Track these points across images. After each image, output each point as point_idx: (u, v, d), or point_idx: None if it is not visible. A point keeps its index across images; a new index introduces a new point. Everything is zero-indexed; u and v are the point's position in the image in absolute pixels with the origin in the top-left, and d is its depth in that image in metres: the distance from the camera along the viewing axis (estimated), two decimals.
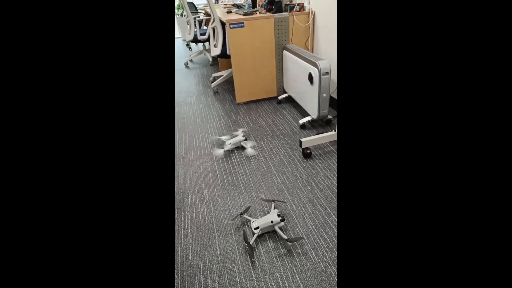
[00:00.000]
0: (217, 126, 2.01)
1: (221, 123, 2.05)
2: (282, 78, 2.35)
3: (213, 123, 2.06)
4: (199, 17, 3.79)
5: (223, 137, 1.81)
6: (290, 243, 1.04)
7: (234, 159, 1.60)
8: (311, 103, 1.80)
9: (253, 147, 1.69)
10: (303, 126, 1.90)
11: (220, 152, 1.68)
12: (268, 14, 2.15)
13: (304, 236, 1.08)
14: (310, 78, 1.72)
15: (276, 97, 2.43)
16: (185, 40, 5.39)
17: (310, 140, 1.55)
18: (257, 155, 1.63)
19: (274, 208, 1.21)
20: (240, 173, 1.48)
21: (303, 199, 1.27)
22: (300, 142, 1.56)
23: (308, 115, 1.92)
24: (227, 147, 1.66)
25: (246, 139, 1.71)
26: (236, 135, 1.82)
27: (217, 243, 1.08)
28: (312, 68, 1.68)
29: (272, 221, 1.07)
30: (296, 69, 1.95)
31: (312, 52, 2.29)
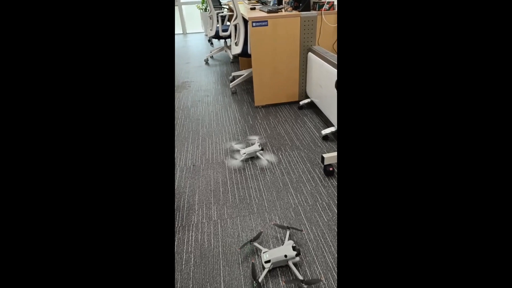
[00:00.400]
0: (233, 131, 1.88)
1: (237, 128, 1.92)
2: (305, 82, 2.18)
3: (228, 127, 1.94)
4: (222, 12, 3.67)
5: (238, 146, 1.68)
6: (305, 286, 0.89)
7: (248, 171, 1.47)
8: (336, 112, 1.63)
9: (269, 160, 1.55)
10: (325, 138, 1.74)
11: (234, 163, 1.55)
12: (294, 12, 1.98)
13: (322, 277, 0.93)
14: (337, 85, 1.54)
15: (297, 102, 2.27)
16: (207, 35, 5.31)
17: (333, 156, 1.39)
18: (273, 169, 1.48)
19: (289, 238, 1.06)
20: (254, 189, 1.34)
21: (323, 227, 1.12)
22: (322, 158, 1.39)
23: (332, 125, 1.74)
24: (242, 157, 1.53)
25: (262, 149, 1.57)
26: (252, 143, 1.69)
27: (221, 274, 0.96)
28: None
29: (286, 256, 0.92)
30: (322, 74, 1.77)
31: None
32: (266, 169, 1.48)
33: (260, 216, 1.19)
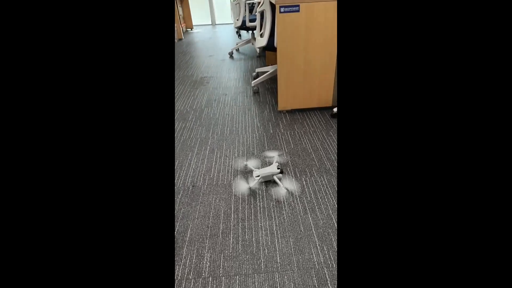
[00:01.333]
0: (248, 142, 1.54)
1: (254, 138, 1.58)
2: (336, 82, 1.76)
3: (244, 136, 1.60)
4: (253, 1, 3.31)
5: (251, 165, 1.34)
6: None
7: (259, 201, 1.12)
8: None
9: (288, 189, 1.19)
10: None
11: (243, 188, 1.21)
12: None
13: None
14: None
15: (330, 108, 1.86)
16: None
17: None
18: (293, 201, 1.12)
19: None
20: (264, 231, 0.99)
21: None
22: None
23: None
24: (255, 181, 1.19)
25: (281, 172, 1.21)
26: (269, 162, 1.34)
27: None
28: None
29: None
30: None
31: None
32: (284, 201, 1.12)
33: (268, 278, 0.84)
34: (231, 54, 3.40)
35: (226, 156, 1.43)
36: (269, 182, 1.23)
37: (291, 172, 1.28)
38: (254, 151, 1.46)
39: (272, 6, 1.79)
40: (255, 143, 1.53)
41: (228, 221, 1.04)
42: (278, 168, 1.20)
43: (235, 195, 1.17)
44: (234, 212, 1.08)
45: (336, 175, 1.26)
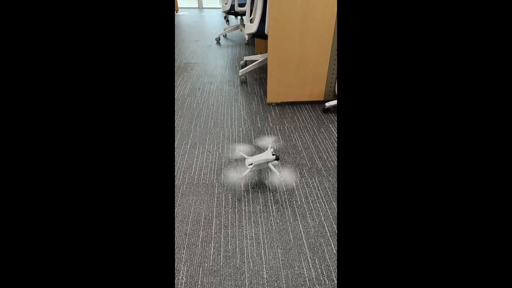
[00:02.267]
0: (233, 136, 1.42)
1: (240, 132, 1.45)
2: (336, 79, 1.66)
3: (229, 130, 1.47)
4: None
5: (242, 150, 1.21)
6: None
7: (244, 206, 1.01)
8: None
9: (285, 180, 1.07)
10: None
11: (233, 178, 1.09)
12: None
13: None
14: None
15: (322, 103, 1.76)
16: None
17: None
18: (282, 204, 1.02)
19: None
20: (250, 240, 0.89)
21: None
22: None
23: None
24: (248, 169, 1.04)
25: (277, 159, 1.07)
26: (263, 148, 1.19)
27: None
28: None
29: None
30: None
31: None
32: (273, 202, 1.02)
33: None
34: (218, 40, 3.21)
35: (209, 152, 1.30)
36: (262, 172, 1.12)
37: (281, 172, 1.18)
38: (241, 144, 1.34)
39: None
40: (242, 138, 1.41)
41: (209, 228, 0.93)
42: (273, 155, 1.07)
43: (223, 186, 1.05)
44: (216, 217, 0.97)
45: (327, 175, 1.16)
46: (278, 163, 1.11)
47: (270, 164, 1.07)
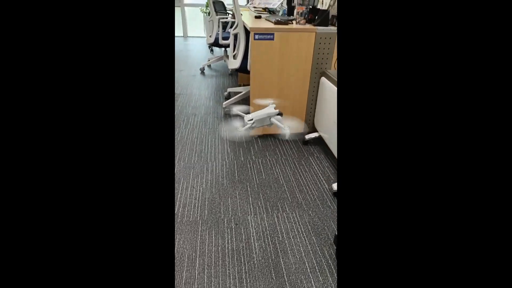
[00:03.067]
0: (217, 171, 1.46)
1: (223, 166, 1.50)
2: (314, 112, 1.77)
3: (212, 164, 1.51)
4: (227, 17, 3.29)
5: (240, 109, 1.18)
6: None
7: (227, 243, 1.03)
8: None
9: (288, 130, 1.01)
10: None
11: (233, 131, 1.07)
12: (308, 26, 1.59)
13: None
14: None
15: (302, 134, 1.85)
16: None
17: None
18: (264, 240, 1.05)
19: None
20: (232, 279, 0.91)
21: None
22: (335, 237, 0.97)
23: None
24: (247, 125, 1.01)
25: (280, 114, 1.03)
26: (265, 105, 1.12)
27: None
28: None
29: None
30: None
31: None
32: (255, 238, 1.05)
33: None
34: (202, 70, 3.32)
35: (193, 187, 1.33)
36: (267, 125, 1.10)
37: (262, 207, 1.22)
38: (224, 180, 1.38)
39: (246, 30, 1.77)
40: (225, 172, 1.45)
41: (192, 268, 0.94)
42: (275, 109, 1.03)
43: (201, 235, 1.07)
44: (199, 256, 0.98)
45: (307, 209, 1.22)
46: (281, 118, 1.04)
47: (272, 119, 1.02)
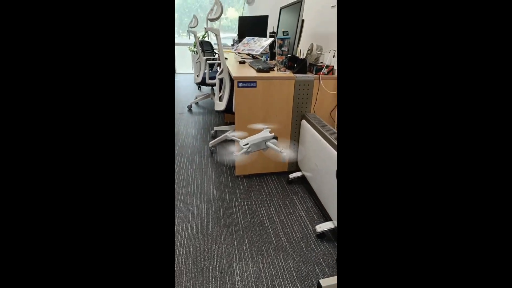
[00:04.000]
0: (202, 214, 1.47)
1: (209, 209, 1.51)
2: (297, 152, 1.84)
3: (198, 207, 1.52)
4: (213, 58, 3.47)
5: (235, 134, 1.17)
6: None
7: (214, 287, 1.02)
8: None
9: (284, 152, 1.00)
10: (321, 236, 1.34)
11: (228, 155, 1.05)
12: (288, 73, 1.71)
13: None
14: None
15: (286, 173, 1.91)
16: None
17: (334, 284, 0.98)
18: (253, 281, 1.05)
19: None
20: None
21: None
22: (319, 285, 0.99)
23: (330, 218, 1.36)
24: (243, 150, 0.99)
25: (276, 138, 1.02)
26: (258, 129, 1.11)
27: None
28: None
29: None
30: (319, 152, 1.44)
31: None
32: (240, 287, 1.04)
33: None
34: (190, 108, 3.41)
35: (178, 233, 1.33)
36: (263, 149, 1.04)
37: (247, 252, 1.23)
38: (209, 225, 1.38)
39: (231, 76, 1.88)
40: (210, 216, 1.46)
41: None
42: (270, 133, 1.02)
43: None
44: None
45: (292, 253, 1.23)
46: (276, 141, 1.04)
47: (268, 143, 1.02)
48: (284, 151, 1.02)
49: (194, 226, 1.38)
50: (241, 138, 1.06)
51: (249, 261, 1.18)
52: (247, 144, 0.97)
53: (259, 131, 1.09)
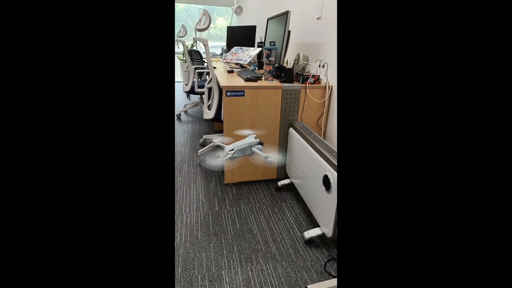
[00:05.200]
0: (192, 223, 1.46)
1: (198, 218, 1.51)
2: (285, 157, 1.87)
3: (187, 216, 1.52)
4: (201, 67, 3.50)
5: (220, 141, 1.16)
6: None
7: None
8: (325, 214, 1.28)
9: (269, 157, 1.01)
10: (309, 242, 1.36)
11: (213, 162, 1.04)
12: (275, 82, 1.75)
13: None
14: (326, 182, 1.22)
15: (275, 181, 1.93)
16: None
17: None
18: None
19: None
20: None
21: None
22: None
23: (318, 225, 1.39)
24: (228, 155, 0.97)
25: (261, 143, 1.02)
26: (245, 135, 1.11)
27: None
28: (330, 170, 1.20)
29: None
30: (306, 159, 1.47)
31: (325, 134, 1.85)
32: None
33: None
34: (178, 116, 3.41)
35: None
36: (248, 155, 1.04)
37: (236, 260, 1.23)
38: (198, 235, 1.38)
39: (220, 85, 1.91)
40: (200, 224, 1.46)
41: None
42: (256, 138, 1.03)
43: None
44: None
45: (281, 260, 1.24)
46: (262, 147, 1.04)
47: (254, 148, 1.03)
48: (269, 156, 1.04)
49: (183, 235, 1.37)
50: (227, 144, 1.07)
51: (239, 269, 1.19)
52: (233, 149, 0.98)
53: (245, 137, 1.11)
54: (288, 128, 1.78)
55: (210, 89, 2.12)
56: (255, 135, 1.05)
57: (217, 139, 1.21)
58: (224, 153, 1.03)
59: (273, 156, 1.09)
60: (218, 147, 1.16)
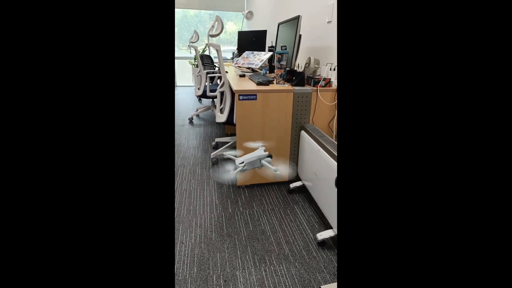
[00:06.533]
0: (206, 224, 1.50)
1: (212, 219, 1.54)
2: (297, 162, 1.89)
3: (201, 217, 1.55)
4: (213, 72, 3.56)
5: (230, 153, 1.22)
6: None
7: None
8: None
9: (279, 171, 1.06)
10: (322, 244, 1.37)
11: (225, 175, 1.09)
12: (287, 85, 1.78)
13: None
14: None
15: (287, 183, 1.95)
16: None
17: None
18: None
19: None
20: None
21: None
22: None
23: (330, 226, 1.40)
24: (238, 168, 1.03)
25: (270, 156, 1.08)
26: (254, 148, 1.17)
27: None
28: None
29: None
30: (318, 162, 1.49)
31: (336, 136, 1.85)
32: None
33: None
34: (191, 120, 3.47)
35: (182, 243, 1.35)
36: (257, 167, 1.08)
37: (250, 260, 1.25)
38: (212, 236, 1.41)
39: (232, 89, 1.94)
40: (213, 225, 1.49)
41: None
42: (265, 151, 1.08)
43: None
44: None
45: (294, 261, 1.26)
46: (271, 159, 1.10)
47: (263, 161, 1.07)
48: (278, 170, 1.09)
49: (198, 236, 1.40)
50: (237, 157, 1.12)
51: (252, 269, 1.21)
52: (243, 162, 1.03)
53: (255, 149, 1.16)
54: (300, 131, 1.79)
55: (222, 93, 2.16)
56: (264, 147, 1.10)
57: (227, 152, 1.25)
58: (235, 166, 1.08)
59: (281, 169, 1.14)
60: (228, 159, 1.21)
